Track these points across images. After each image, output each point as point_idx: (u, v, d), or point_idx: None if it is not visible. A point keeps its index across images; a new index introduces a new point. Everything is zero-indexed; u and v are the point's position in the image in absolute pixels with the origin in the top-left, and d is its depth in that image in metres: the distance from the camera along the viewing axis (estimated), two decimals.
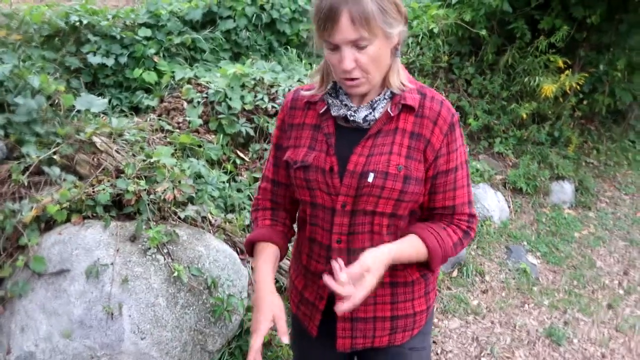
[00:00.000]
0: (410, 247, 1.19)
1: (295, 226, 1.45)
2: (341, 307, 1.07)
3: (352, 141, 1.21)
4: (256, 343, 1.14)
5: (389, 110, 1.20)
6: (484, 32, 4.67)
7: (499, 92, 4.94)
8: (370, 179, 1.16)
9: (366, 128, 1.21)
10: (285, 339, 1.15)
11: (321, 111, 1.26)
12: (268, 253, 1.29)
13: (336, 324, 1.31)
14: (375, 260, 1.11)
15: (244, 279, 2.42)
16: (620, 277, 3.73)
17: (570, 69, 4.82)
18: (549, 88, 4.38)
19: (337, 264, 1.09)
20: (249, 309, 2.38)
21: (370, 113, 1.20)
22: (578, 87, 4.68)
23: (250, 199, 3.03)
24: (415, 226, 1.23)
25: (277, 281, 2.57)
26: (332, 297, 1.29)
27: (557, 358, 2.86)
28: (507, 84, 5.06)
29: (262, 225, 1.36)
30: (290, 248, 1.54)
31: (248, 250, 1.36)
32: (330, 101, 1.24)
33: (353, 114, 1.20)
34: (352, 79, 1.13)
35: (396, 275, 1.27)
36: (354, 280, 1.08)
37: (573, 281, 3.60)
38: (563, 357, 2.87)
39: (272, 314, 1.16)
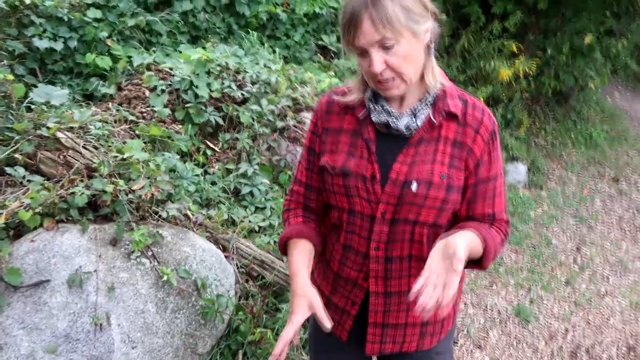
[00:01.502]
0: (473, 240, 1.13)
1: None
2: (444, 311, 0.99)
3: (394, 149, 1.18)
4: (287, 333, 1.12)
5: (431, 117, 1.17)
6: (443, 16, 4.72)
7: (456, 76, 5.04)
8: (414, 187, 1.14)
9: (407, 135, 1.18)
10: (328, 324, 1.14)
11: (360, 116, 1.21)
12: (301, 247, 1.27)
13: (366, 328, 1.30)
14: (459, 245, 1.02)
15: (231, 277, 2.35)
16: (574, 254, 3.97)
17: (523, 54, 4.99)
18: (505, 73, 4.52)
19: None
20: (238, 308, 2.32)
21: (412, 120, 1.17)
22: (530, 71, 4.86)
23: (225, 192, 2.94)
24: (465, 225, 1.20)
25: (262, 277, 2.52)
26: (365, 303, 1.28)
27: (526, 335, 3.01)
28: (462, 67, 5.17)
29: (295, 223, 1.33)
30: None
31: (282, 249, 1.34)
32: (371, 106, 1.20)
33: (395, 121, 1.17)
34: (386, 81, 1.10)
35: None
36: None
37: (533, 260, 3.79)
38: (532, 334, 3.03)
39: (307, 305, 1.16)
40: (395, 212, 1.17)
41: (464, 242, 1.05)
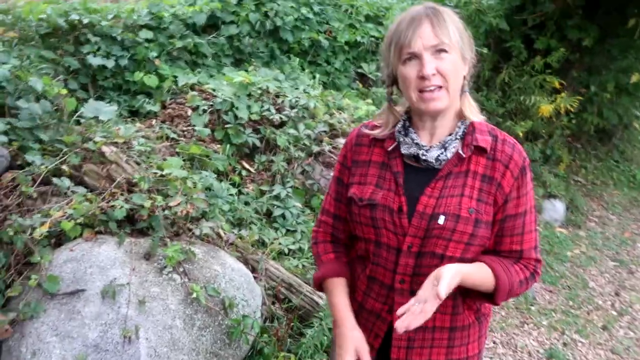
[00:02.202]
0: (479, 272, 1.16)
1: None
2: (406, 322, 1.07)
3: (422, 181, 1.19)
4: None
5: (460, 151, 1.18)
6: (485, 50, 4.71)
7: (494, 109, 4.99)
8: (441, 221, 1.14)
9: (436, 168, 1.19)
10: None
11: (389, 148, 1.23)
12: (342, 288, 1.32)
13: None
14: (446, 268, 1.09)
15: (258, 298, 2.36)
16: (612, 298, 3.81)
17: (565, 90, 4.91)
18: (546, 108, 4.46)
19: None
20: (263, 330, 2.32)
21: (442, 153, 1.18)
22: (572, 108, 4.77)
23: (257, 213, 2.98)
24: (485, 256, 1.20)
25: (289, 300, 2.52)
26: (389, 336, 1.27)
27: None
28: (502, 100, 5.12)
29: (328, 260, 1.35)
30: None
31: (317, 287, 1.38)
32: (401, 139, 1.22)
33: (425, 153, 1.18)
34: (431, 90, 1.12)
35: (455, 320, 1.25)
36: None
37: (569, 301, 3.65)
38: None
39: (354, 349, 1.22)
40: (422, 245, 1.17)
41: (459, 272, 1.09)
